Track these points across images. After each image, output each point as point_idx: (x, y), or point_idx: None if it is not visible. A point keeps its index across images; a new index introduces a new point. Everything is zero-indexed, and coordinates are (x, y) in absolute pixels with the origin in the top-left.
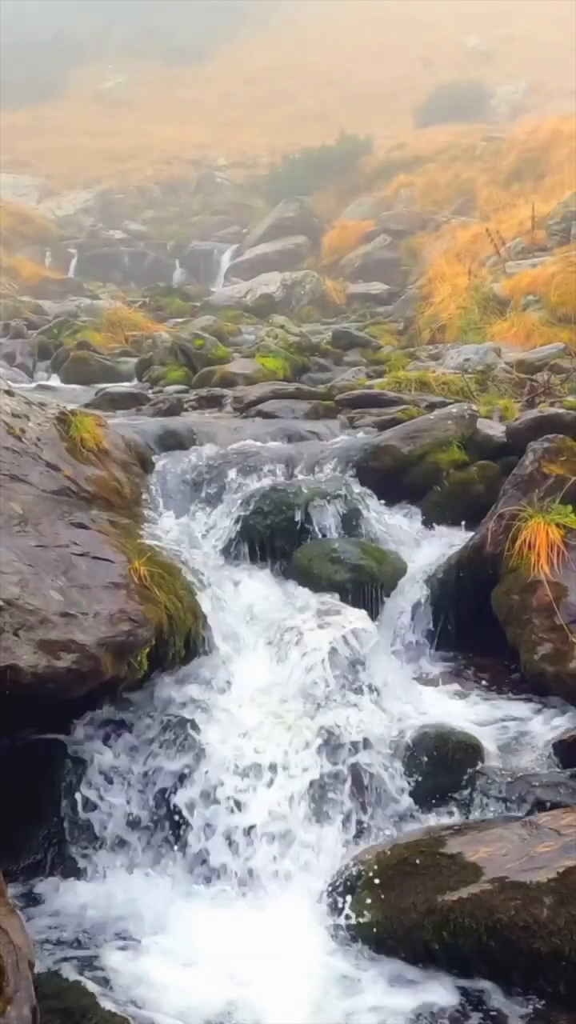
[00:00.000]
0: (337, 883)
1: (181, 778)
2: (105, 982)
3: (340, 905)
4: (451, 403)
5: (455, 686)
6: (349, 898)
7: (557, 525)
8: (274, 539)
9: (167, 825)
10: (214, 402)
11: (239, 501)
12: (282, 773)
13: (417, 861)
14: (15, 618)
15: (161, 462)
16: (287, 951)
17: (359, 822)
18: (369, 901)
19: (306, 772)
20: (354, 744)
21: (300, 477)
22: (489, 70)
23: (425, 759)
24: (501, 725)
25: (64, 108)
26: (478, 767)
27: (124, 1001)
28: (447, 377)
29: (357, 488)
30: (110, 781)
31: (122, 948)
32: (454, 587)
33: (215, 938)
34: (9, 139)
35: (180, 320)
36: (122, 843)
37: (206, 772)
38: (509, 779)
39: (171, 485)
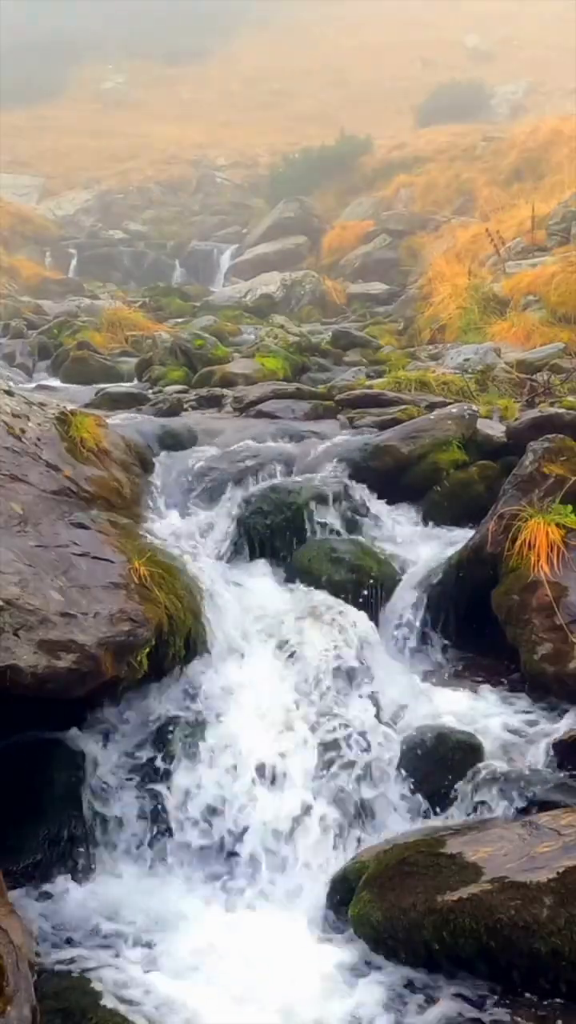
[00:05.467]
0: (337, 883)
1: (180, 778)
2: (105, 982)
3: (340, 905)
4: (451, 403)
5: (455, 686)
6: (349, 898)
7: (557, 525)
8: (274, 539)
9: (166, 826)
10: (214, 402)
11: (239, 501)
12: (282, 773)
13: (417, 861)
14: (15, 618)
15: (161, 462)
16: (287, 951)
17: (359, 822)
18: (369, 901)
19: (306, 772)
20: (354, 744)
21: (300, 477)
22: (489, 70)
23: (425, 759)
24: (501, 725)
25: (64, 108)
26: (478, 767)
27: (124, 1001)
28: (447, 377)
29: (357, 488)
30: (110, 781)
31: (122, 948)
32: (454, 587)
33: (215, 938)
34: (9, 139)
35: (180, 320)
36: (122, 843)
37: (206, 772)
38: (509, 779)
39: (171, 485)
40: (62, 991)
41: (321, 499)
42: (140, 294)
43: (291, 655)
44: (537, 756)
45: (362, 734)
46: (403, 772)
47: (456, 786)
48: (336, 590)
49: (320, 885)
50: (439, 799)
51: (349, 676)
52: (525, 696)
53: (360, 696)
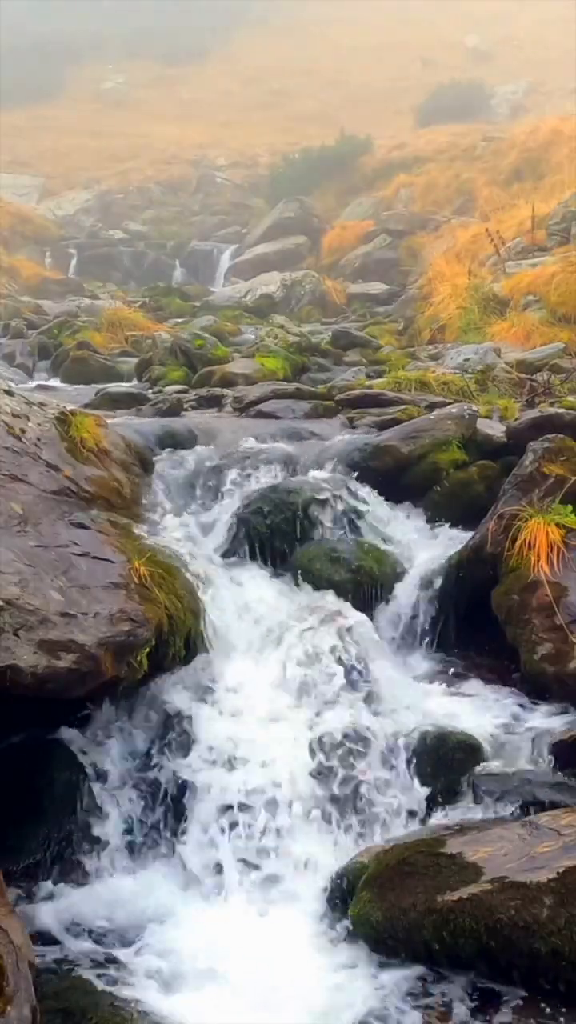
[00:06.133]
0: (337, 883)
1: (181, 778)
2: (105, 982)
3: (340, 905)
4: (451, 403)
5: (455, 686)
6: (349, 898)
7: (557, 525)
8: (274, 539)
9: (167, 826)
10: (214, 402)
11: (239, 501)
12: (282, 773)
13: (417, 861)
14: (15, 618)
15: (161, 462)
16: (287, 952)
17: (359, 822)
18: (369, 901)
19: (306, 772)
20: (354, 744)
21: (300, 477)
22: (489, 70)
23: (425, 759)
24: (501, 725)
25: (64, 108)
26: (478, 767)
27: (124, 1001)
28: (447, 377)
29: (357, 488)
30: (110, 781)
31: (122, 948)
32: (454, 587)
33: (214, 938)
34: (9, 139)
35: (180, 320)
36: (122, 844)
37: (206, 772)
38: (509, 779)
39: (171, 485)
40: (62, 991)
41: (321, 499)
42: (140, 294)
43: (291, 655)
44: (537, 756)
45: (362, 734)
46: (403, 772)
47: (456, 786)
48: (336, 590)
49: (320, 885)
50: (439, 799)
51: (349, 676)
52: (525, 696)
53: (360, 696)
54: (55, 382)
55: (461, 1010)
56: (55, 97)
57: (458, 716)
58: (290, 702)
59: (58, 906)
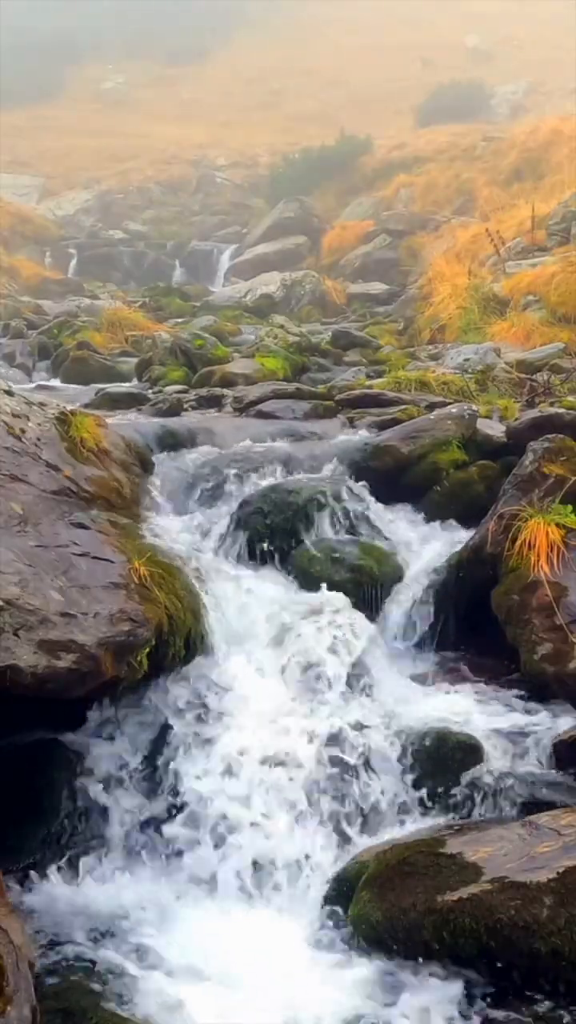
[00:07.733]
0: (337, 883)
1: (180, 778)
2: (105, 982)
3: (340, 905)
4: (451, 403)
5: (455, 686)
6: (349, 898)
7: (557, 525)
8: (274, 539)
9: (166, 826)
10: (214, 402)
11: (239, 501)
12: (281, 774)
13: (417, 861)
14: (15, 618)
15: (161, 462)
16: (287, 952)
17: (359, 822)
18: (369, 901)
19: (306, 772)
20: (353, 744)
21: (300, 477)
22: (489, 70)
23: (425, 759)
24: (501, 725)
25: (64, 108)
26: (478, 767)
27: (124, 1002)
28: (447, 377)
29: (357, 488)
30: (110, 781)
31: (122, 949)
32: (454, 587)
33: (215, 938)
34: (9, 139)
35: (180, 320)
36: (122, 844)
37: (205, 773)
38: (509, 779)
39: (171, 485)
40: (62, 991)
41: (321, 499)
42: (140, 294)
43: (291, 655)
44: (537, 756)
45: (362, 734)
46: (403, 772)
47: (456, 786)
48: (336, 590)
49: (320, 885)
50: (439, 799)
51: (348, 676)
52: (525, 696)
53: (360, 696)
54: (55, 382)
55: (461, 1010)
56: (55, 97)
57: (458, 716)
58: (290, 702)
59: (58, 906)
